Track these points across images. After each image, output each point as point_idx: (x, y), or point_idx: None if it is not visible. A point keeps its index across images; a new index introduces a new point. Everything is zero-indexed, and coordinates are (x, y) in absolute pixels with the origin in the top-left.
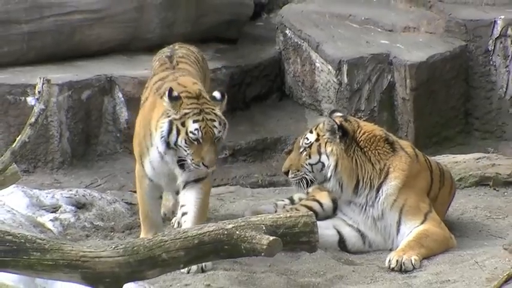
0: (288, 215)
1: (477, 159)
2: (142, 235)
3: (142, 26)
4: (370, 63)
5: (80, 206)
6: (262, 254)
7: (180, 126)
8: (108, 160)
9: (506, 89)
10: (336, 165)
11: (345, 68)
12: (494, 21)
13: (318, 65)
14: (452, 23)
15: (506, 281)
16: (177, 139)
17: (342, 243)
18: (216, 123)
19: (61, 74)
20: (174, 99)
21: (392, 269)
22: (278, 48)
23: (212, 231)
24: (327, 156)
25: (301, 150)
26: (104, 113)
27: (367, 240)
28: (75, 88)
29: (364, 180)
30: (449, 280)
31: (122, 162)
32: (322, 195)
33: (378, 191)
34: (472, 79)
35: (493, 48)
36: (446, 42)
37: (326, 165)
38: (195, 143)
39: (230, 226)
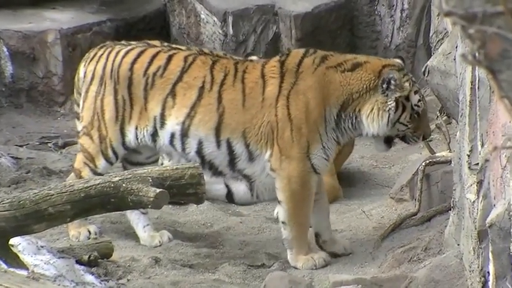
0: (175, 167)
1: None
2: (298, 255)
3: None
4: (255, 14)
5: None
6: (149, 206)
7: (405, 102)
8: None
9: (391, 38)
10: None
11: (230, 19)
12: None
13: (203, 16)
14: None
15: (393, 230)
16: (400, 117)
17: (229, 196)
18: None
19: None
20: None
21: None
22: (163, 0)
23: (98, 184)
24: None
25: None
26: None
27: (255, 192)
28: None
29: None
30: (336, 230)
31: (7, 117)
32: None
33: None
34: (357, 29)
35: None
36: None
37: None
38: (416, 116)
39: (117, 179)
